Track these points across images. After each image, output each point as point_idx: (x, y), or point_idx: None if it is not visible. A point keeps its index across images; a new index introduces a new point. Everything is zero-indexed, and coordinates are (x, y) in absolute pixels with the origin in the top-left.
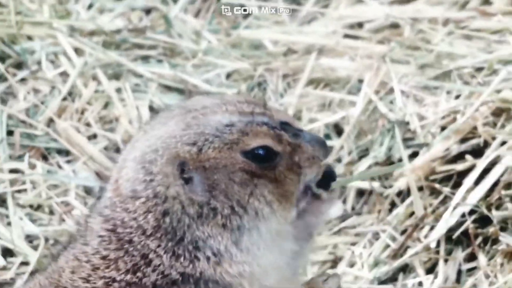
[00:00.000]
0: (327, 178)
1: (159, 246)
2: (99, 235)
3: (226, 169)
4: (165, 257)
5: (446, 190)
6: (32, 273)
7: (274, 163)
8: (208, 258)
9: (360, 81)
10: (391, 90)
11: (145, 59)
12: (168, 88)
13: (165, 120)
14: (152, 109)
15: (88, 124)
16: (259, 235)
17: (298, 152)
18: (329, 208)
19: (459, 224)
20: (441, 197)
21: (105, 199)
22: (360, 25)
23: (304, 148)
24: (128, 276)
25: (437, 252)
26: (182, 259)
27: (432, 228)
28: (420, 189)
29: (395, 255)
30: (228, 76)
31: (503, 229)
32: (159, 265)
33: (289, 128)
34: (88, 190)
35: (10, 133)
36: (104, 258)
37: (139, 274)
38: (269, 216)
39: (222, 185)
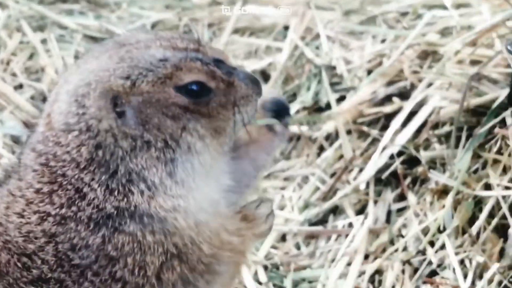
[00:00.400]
0: (282, 111)
1: (93, 179)
2: (33, 169)
3: (159, 103)
4: (99, 191)
5: (374, 132)
6: None
7: (207, 98)
8: (142, 192)
9: (286, 28)
10: (317, 36)
11: (69, 11)
12: (94, 39)
13: (98, 54)
14: (77, 59)
15: (14, 75)
16: (193, 169)
17: (231, 89)
18: (281, 143)
19: (387, 165)
20: (369, 140)
21: (37, 134)
22: None
23: (237, 86)
24: (63, 210)
25: (367, 194)
26: (116, 192)
27: (361, 170)
28: (349, 132)
29: (325, 197)
30: (153, 26)
31: (431, 169)
32: (93, 199)
33: (222, 66)
34: (15, 139)
35: None
36: (37, 191)
37: (74, 208)
38: (202, 150)
39: (155, 119)
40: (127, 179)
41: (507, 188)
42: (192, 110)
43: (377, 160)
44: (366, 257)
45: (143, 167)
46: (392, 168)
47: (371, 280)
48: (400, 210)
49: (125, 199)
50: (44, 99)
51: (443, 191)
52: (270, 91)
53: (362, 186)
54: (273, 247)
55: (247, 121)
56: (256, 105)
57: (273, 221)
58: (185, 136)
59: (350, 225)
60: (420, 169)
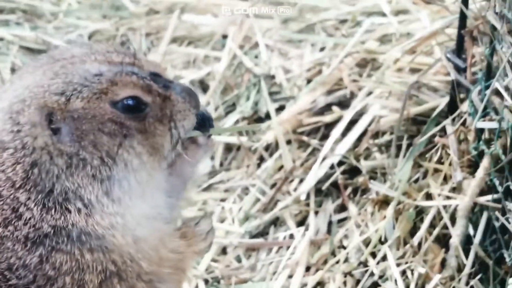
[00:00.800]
0: (205, 122)
1: (29, 198)
2: None
3: (95, 120)
4: (36, 210)
5: (314, 142)
6: None
7: (144, 114)
8: (79, 210)
9: (224, 37)
10: (256, 45)
11: (5, 22)
12: (30, 50)
13: (32, 69)
14: (14, 71)
15: None
16: (129, 186)
17: (168, 104)
18: (205, 155)
19: (328, 175)
20: (309, 150)
21: None
22: None
23: (174, 101)
24: (0, 230)
25: (307, 205)
26: (53, 211)
27: (301, 180)
28: (288, 142)
29: (265, 209)
30: (90, 37)
31: (372, 178)
32: (30, 218)
33: (159, 79)
34: None
35: None
36: None
37: (10, 227)
38: (139, 167)
39: (91, 135)
40: (64, 198)
41: (448, 197)
42: (129, 126)
43: (318, 170)
44: (308, 269)
45: (79, 185)
46: (332, 179)
47: None
48: (341, 221)
49: (62, 218)
50: None
51: (384, 201)
52: None
53: (303, 197)
54: (214, 260)
55: (183, 136)
56: (193, 119)
57: (213, 238)
58: (121, 153)
59: (291, 236)
60: (360, 179)
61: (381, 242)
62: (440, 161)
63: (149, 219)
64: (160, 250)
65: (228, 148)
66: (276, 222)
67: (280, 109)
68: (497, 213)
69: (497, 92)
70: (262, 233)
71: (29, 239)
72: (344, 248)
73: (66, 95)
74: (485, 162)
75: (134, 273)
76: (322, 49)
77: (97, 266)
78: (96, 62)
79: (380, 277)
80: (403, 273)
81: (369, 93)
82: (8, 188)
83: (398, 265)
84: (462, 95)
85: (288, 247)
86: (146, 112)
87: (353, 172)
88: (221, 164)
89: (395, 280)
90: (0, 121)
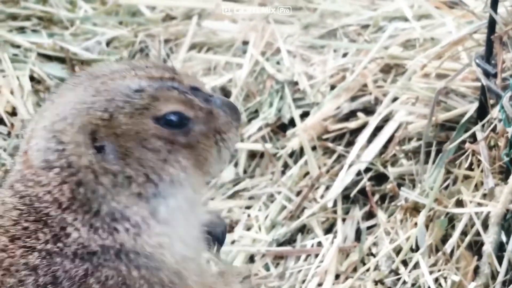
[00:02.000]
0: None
1: (75, 219)
2: (16, 208)
3: (138, 136)
4: (83, 230)
5: (340, 148)
6: None
7: (187, 128)
8: (127, 230)
9: (245, 43)
10: (278, 51)
11: (21, 29)
12: (48, 58)
13: (72, 86)
14: (33, 78)
15: None
16: (176, 203)
17: (211, 118)
18: None
19: (355, 182)
20: (335, 156)
21: (15, 172)
22: None
23: (216, 114)
24: (49, 246)
25: (335, 212)
26: (100, 231)
27: (328, 187)
28: (313, 148)
29: (292, 216)
30: (108, 43)
31: (400, 185)
32: (78, 238)
33: (199, 93)
34: None
35: None
36: (25, 228)
37: (59, 244)
38: (185, 182)
39: (136, 152)
40: (111, 218)
41: (479, 204)
42: (173, 141)
43: (344, 177)
44: (337, 277)
45: (125, 204)
46: (360, 185)
47: None
48: (369, 228)
49: (110, 238)
50: (0, 121)
51: (414, 208)
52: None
53: (330, 204)
54: None
55: (232, 148)
56: (237, 131)
57: (250, 286)
58: (167, 169)
59: (319, 244)
60: (389, 185)
61: (412, 249)
62: (470, 168)
63: (195, 238)
64: (206, 276)
65: (252, 155)
66: (303, 229)
67: (304, 115)
68: None
69: None
70: (290, 240)
71: (77, 255)
72: (374, 256)
73: (109, 112)
74: None
75: None
76: (344, 54)
77: (144, 284)
78: (136, 77)
79: (413, 285)
80: (436, 280)
81: (395, 99)
82: (55, 209)
83: (430, 273)
84: (491, 101)
85: (316, 255)
86: (190, 127)
87: (380, 178)
88: (245, 171)
89: None
90: (43, 139)
